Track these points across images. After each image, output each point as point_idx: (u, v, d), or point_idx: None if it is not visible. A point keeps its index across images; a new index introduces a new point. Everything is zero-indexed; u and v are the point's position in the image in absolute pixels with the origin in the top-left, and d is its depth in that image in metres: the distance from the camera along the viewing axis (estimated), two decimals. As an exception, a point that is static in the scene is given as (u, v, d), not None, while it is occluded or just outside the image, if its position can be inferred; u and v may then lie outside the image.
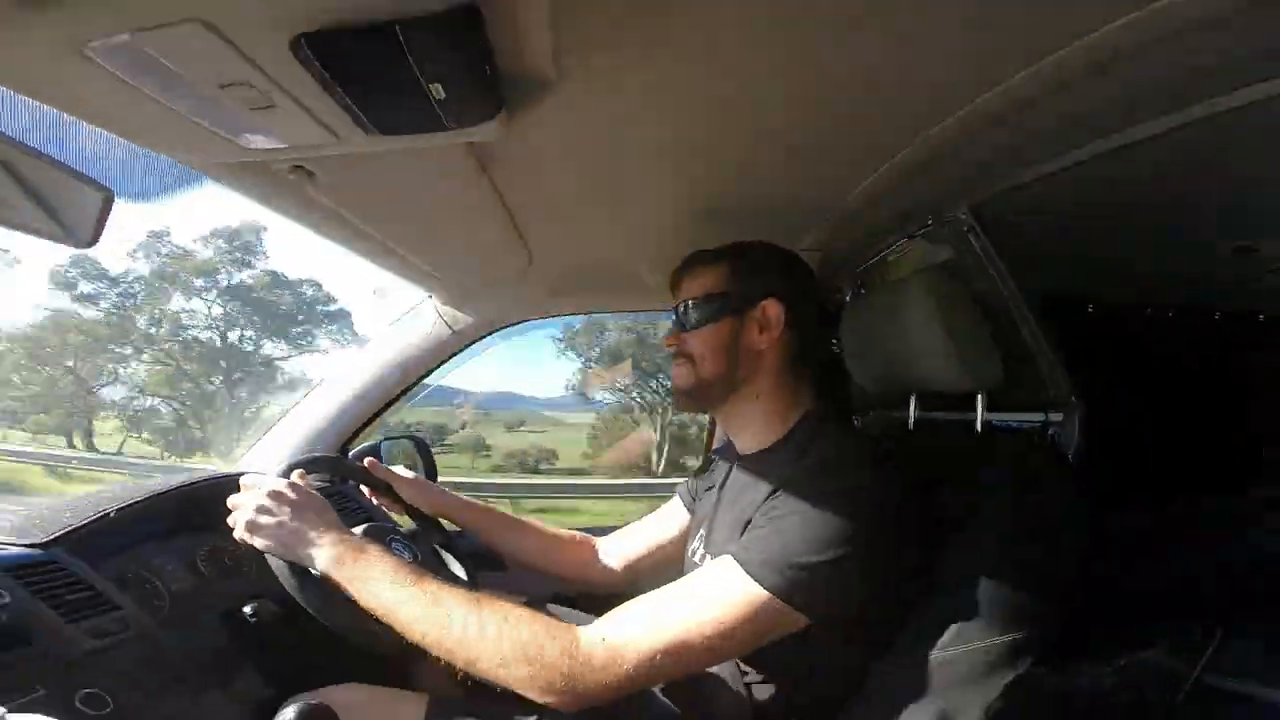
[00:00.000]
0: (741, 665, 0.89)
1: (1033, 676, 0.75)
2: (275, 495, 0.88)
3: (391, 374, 1.52)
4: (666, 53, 0.66)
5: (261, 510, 0.87)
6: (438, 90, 0.59)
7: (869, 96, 0.73)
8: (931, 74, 0.67)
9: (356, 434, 1.53)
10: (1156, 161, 0.74)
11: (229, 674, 0.98)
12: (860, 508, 0.76)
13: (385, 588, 0.80)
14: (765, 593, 0.74)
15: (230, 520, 0.90)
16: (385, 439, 1.46)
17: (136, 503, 1.11)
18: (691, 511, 1.17)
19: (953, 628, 0.76)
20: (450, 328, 1.52)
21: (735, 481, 0.99)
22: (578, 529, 1.32)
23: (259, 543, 0.86)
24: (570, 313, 1.65)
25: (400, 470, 1.20)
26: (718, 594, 0.76)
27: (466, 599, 0.78)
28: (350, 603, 0.83)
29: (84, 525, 1.01)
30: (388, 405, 1.55)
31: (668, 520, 1.22)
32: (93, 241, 0.78)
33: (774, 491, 0.83)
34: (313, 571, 0.85)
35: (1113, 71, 0.60)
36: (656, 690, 1.09)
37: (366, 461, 1.18)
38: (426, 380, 1.61)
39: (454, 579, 1.06)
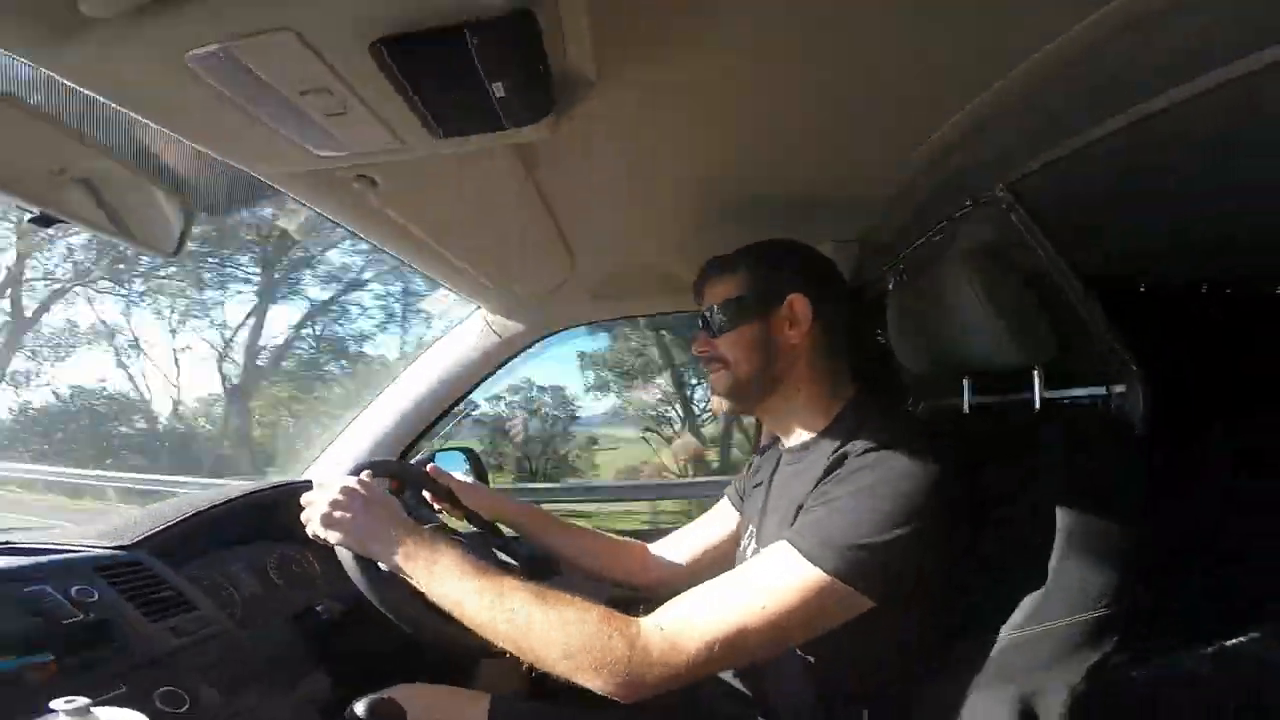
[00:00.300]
0: (802, 651, 0.87)
1: (1121, 659, 0.72)
2: (348, 492, 0.89)
3: (445, 384, 1.58)
4: (703, 50, 0.68)
5: (336, 506, 0.88)
6: (498, 89, 0.62)
7: (898, 82, 0.74)
8: (958, 54, 0.68)
9: (414, 443, 1.58)
10: (1189, 129, 0.71)
11: (298, 675, 1.00)
12: (915, 485, 0.76)
13: (454, 583, 0.81)
14: (825, 575, 0.73)
15: (304, 517, 0.92)
16: (438, 451, 1.50)
17: (215, 507, 1.15)
18: (740, 510, 1.16)
19: (1027, 606, 0.74)
20: (499, 336, 1.57)
21: (783, 474, 0.99)
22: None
23: (332, 537, 0.88)
24: (610, 317, 1.68)
25: (459, 476, 1.24)
26: (774, 580, 0.75)
27: (533, 593, 0.79)
28: (418, 597, 0.84)
29: (167, 528, 1.05)
30: (443, 414, 1.60)
31: (718, 521, 1.22)
32: (176, 252, 0.85)
33: (825, 474, 0.82)
34: (382, 567, 0.87)
35: (1146, 32, 0.59)
36: (726, 677, 1.09)
37: (429, 467, 1.22)
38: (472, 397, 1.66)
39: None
